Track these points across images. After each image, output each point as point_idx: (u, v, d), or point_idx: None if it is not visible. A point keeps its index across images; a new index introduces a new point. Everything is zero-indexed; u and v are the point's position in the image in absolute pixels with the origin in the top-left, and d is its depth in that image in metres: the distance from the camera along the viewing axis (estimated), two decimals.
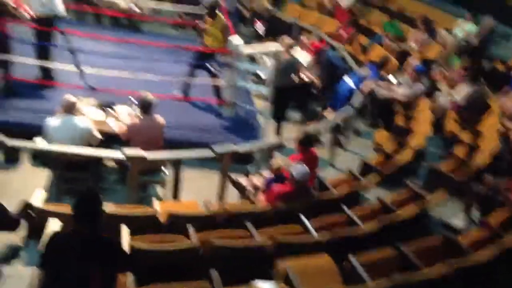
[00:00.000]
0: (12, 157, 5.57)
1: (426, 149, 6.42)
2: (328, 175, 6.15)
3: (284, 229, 4.38)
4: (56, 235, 3.07)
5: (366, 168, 5.96)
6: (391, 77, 8.37)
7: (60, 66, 6.94)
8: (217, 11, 7.45)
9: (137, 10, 10.48)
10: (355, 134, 7.54)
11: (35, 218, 4.03)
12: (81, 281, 2.87)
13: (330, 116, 7.24)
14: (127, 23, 10.64)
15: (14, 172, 5.53)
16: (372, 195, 5.40)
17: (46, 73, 7.00)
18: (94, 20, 10.50)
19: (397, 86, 7.86)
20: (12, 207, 4.15)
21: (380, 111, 7.75)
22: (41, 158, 5.57)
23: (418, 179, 5.75)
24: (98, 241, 2.93)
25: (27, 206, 4.06)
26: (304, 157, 5.25)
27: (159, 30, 10.76)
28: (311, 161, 5.26)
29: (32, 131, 5.35)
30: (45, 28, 6.80)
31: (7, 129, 5.42)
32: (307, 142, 5.42)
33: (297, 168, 4.77)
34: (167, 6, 10.89)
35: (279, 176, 5.12)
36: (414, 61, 8.25)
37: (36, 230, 3.92)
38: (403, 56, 9.22)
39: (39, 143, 5.07)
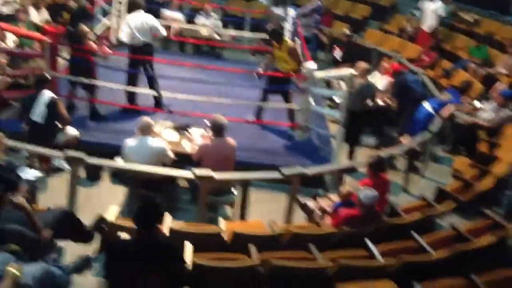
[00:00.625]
0: (93, 175, 5.96)
1: (510, 178, 5.99)
2: (401, 201, 5.93)
3: (348, 253, 4.26)
4: (116, 243, 3.24)
5: (442, 195, 5.67)
6: (475, 102, 7.97)
7: (144, 91, 7.37)
8: (283, 36, 7.56)
9: (218, 37, 10.93)
10: (433, 161, 7.21)
11: (107, 232, 4.25)
12: (140, 286, 3.00)
13: (407, 141, 7.00)
14: (209, 50, 11.11)
15: (95, 188, 5.89)
16: (447, 223, 5.11)
17: (131, 98, 7.46)
18: (178, 48, 11.09)
19: (482, 111, 7.46)
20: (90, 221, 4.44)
21: (461, 137, 7.37)
22: (119, 176, 5.90)
23: (499, 208, 5.37)
24: (156, 245, 3.05)
25: (101, 220, 4.31)
26: (375, 181, 5.12)
27: (238, 56, 11.11)
28: (382, 186, 5.12)
29: (113, 151, 5.70)
30: (135, 55, 7.31)
31: (90, 148, 5.82)
32: (378, 167, 5.28)
33: (366, 192, 4.67)
34: (246, 33, 11.25)
35: (348, 201, 5.02)
36: (501, 86, 7.80)
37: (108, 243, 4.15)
38: (489, 81, 8.76)
39: (118, 162, 5.39)
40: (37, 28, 8.78)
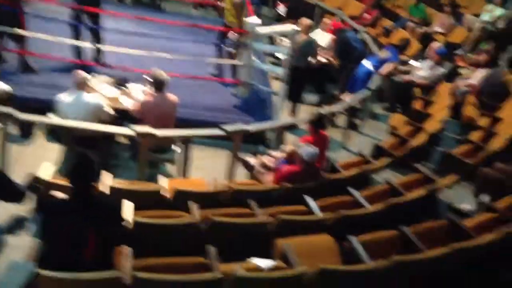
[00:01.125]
0: (26, 132, 5.69)
1: (442, 134, 6.28)
2: (340, 157, 6.09)
3: (288, 208, 4.36)
4: (51, 201, 3.16)
5: (379, 151, 5.87)
6: (412, 61, 8.19)
7: (76, 42, 7.02)
8: None
9: None
10: (371, 118, 7.42)
11: (41, 191, 4.11)
12: (76, 243, 2.95)
13: (347, 98, 7.14)
14: (148, 1, 10.69)
15: (28, 146, 5.65)
16: (382, 179, 5.32)
17: (77, 51, 7.12)
18: None
19: (418, 70, 7.69)
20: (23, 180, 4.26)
21: (398, 95, 7.60)
22: (54, 133, 5.67)
23: (431, 163, 5.64)
24: (93, 203, 3.01)
25: (35, 178, 4.15)
26: (315, 138, 5.21)
27: (180, 9, 10.76)
28: (322, 143, 5.22)
29: (47, 106, 5.44)
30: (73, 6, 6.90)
31: (23, 104, 5.52)
32: (319, 124, 5.37)
33: (306, 149, 4.74)
34: None
35: (291, 159, 5.09)
36: (437, 45, 8.04)
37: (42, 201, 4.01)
38: (427, 39, 9.00)
39: (52, 118, 5.16)
40: None
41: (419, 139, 5.92)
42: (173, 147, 5.54)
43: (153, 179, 5.16)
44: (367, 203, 4.41)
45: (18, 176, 4.34)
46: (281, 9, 10.37)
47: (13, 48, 6.75)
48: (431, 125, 6.19)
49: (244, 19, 7.12)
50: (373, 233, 3.78)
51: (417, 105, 7.10)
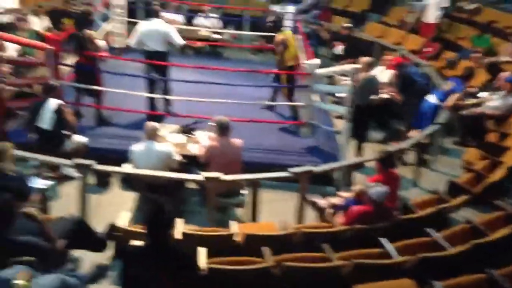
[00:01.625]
0: (103, 182, 5.94)
1: None
2: (412, 196, 5.89)
3: (362, 252, 4.22)
4: (129, 249, 3.23)
5: (454, 188, 5.63)
6: (481, 93, 7.92)
7: (148, 94, 7.34)
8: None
9: (217, 37, 10.88)
10: (442, 153, 7.17)
11: (120, 239, 4.23)
12: None
13: (414, 134, 6.96)
14: (209, 50, 11.07)
15: (105, 195, 5.87)
16: (460, 217, 5.07)
17: (151, 103, 7.42)
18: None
19: (487, 100, 7.42)
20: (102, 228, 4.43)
21: (469, 128, 7.33)
22: (128, 182, 5.87)
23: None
24: (169, 251, 3.05)
25: (113, 227, 4.28)
26: (384, 177, 5.08)
27: (239, 55, 11.07)
28: (392, 182, 5.07)
29: (121, 156, 5.67)
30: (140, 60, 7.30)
31: (99, 155, 5.80)
32: (388, 162, 5.24)
33: (376, 189, 4.64)
34: (246, 32, 11.22)
35: (359, 199, 4.99)
36: (506, 74, 7.74)
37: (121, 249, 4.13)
38: (494, 69, 8.70)
39: (126, 167, 5.37)
40: (39, 36, 8.76)
41: (498, 174, 5.63)
42: (241, 191, 5.58)
43: (222, 224, 5.19)
44: (447, 244, 4.20)
45: (97, 224, 4.51)
46: (338, 48, 10.41)
47: (90, 103, 7.15)
48: (510, 158, 5.89)
49: (287, 57, 7.20)
50: (457, 277, 3.57)
51: (492, 137, 6.80)
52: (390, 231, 4.49)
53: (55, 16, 10.25)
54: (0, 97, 6.19)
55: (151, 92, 7.34)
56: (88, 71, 6.89)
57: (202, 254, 3.91)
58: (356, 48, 9.75)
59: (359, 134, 7.11)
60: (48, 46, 6.58)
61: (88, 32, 6.94)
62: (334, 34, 10.99)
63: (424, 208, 5.09)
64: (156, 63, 7.19)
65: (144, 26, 7.29)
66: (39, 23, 9.53)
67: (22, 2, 10.49)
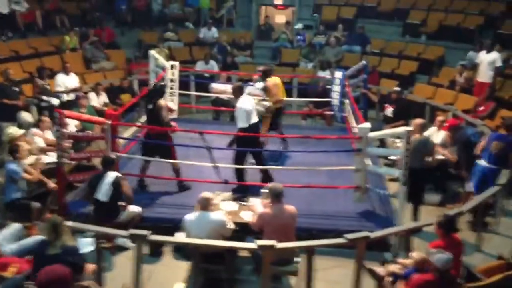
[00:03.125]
0: (156, 251, 5.97)
1: None
2: (475, 262, 5.56)
3: None
4: None
5: None
6: None
7: (198, 163, 7.47)
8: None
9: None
10: (505, 215, 6.80)
11: None
12: None
13: (472, 196, 6.68)
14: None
15: (158, 264, 5.88)
16: None
17: (240, 175, 7.25)
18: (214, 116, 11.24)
19: None
20: None
21: None
22: (182, 251, 5.88)
23: None
24: None
25: None
26: (446, 242, 4.85)
27: (288, 122, 11.17)
28: (455, 247, 4.83)
29: (173, 225, 5.73)
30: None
31: (152, 224, 5.90)
32: (450, 226, 5.02)
33: (439, 255, 4.41)
34: (294, 98, 11.38)
35: (421, 267, 4.75)
36: None
37: None
38: None
39: (179, 237, 5.40)
40: (97, 111, 9.27)
41: None
42: (295, 258, 5.45)
43: None
44: None
45: None
46: (388, 111, 10.37)
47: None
48: None
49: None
50: None
51: None
52: None
53: (113, 92, 10.87)
54: (61, 171, 6.48)
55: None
56: (160, 143, 7.02)
57: None
58: (406, 110, 9.69)
59: (415, 197, 6.89)
60: (106, 121, 6.92)
61: (163, 102, 7.15)
62: (383, 96, 11.00)
63: (491, 275, 4.77)
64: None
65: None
66: (97, 100, 10.12)
67: (83, 80, 11.23)
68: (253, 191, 6.62)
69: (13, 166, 6.26)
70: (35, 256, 4.51)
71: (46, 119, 7.94)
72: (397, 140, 8.21)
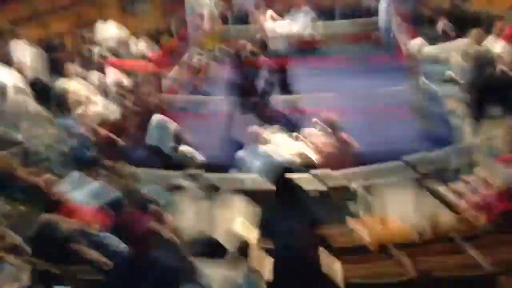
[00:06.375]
0: (214, 190, 5.97)
1: None
2: None
3: None
4: None
5: None
6: None
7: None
8: None
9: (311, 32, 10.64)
10: None
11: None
12: None
13: None
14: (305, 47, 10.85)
15: (215, 202, 5.91)
16: None
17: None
18: None
19: None
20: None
21: None
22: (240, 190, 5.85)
23: None
24: None
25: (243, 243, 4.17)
26: None
27: (336, 48, 10.73)
28: None
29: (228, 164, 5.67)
30: None
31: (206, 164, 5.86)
32: None
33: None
34: (340, 23, 10.85)
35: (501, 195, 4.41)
36: None
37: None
38: None
39: (236, 175, 5.35)
40: (140, 57, 9.15)
41: None
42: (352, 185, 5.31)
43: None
44: None
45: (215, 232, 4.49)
46: (442, 24, 9.70)
47: None
48: None
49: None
50: None
51: None
52: None
53: (153, 36, 10.70)
54: (111, 120, 6.46)
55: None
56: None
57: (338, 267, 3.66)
58: (462, 22, 9.03)
59: (476, 112, 6.49)
60: (149, 66, 6.82)
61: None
62: (436, 9, 10.26)
63: None
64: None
65: None
66: (139, 45, 9.99)
67: (122, 27, 11.09)
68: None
69: (65, 120, 6.26)
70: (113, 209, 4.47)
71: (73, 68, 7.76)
72: (453, 54, 7.70)
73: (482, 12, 9.53)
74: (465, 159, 5.66)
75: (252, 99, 7.08)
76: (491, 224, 4.14)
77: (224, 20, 10.80)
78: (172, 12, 12.06)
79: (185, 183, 5.68)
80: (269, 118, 6.89)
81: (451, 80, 7.40)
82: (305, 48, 10.63)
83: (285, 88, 7.35)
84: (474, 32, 6.68)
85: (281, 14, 10.87)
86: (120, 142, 6.47)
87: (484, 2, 10.45)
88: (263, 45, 7.52)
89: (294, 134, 6.15)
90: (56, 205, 3.99)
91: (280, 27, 10.23)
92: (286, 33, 9.71)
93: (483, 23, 8.97)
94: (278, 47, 7.26)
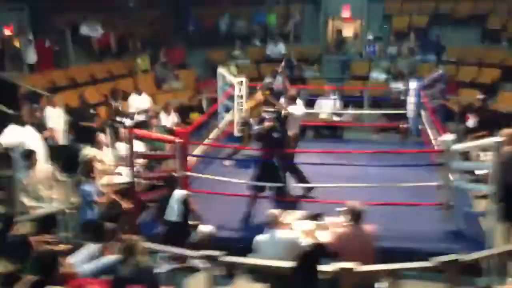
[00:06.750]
0: (229, 272, 5.76)
1: None
2: None
3: None
4: None
5: None
6: None
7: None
8: None
9: (337, 118, 10.73)
10: None
11: None
12: None
13: None
14: (329, 133, 10.91)
15: (231, 287, 5.67)
16: None
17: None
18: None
19: None
20: None
21: None
22: (255, 273, 5.63)
23: None
24: None
25: None
26: None
27: (360, 136, 10.74)
28: None
29: (247, 246, 5.49)
30: None
31: (224, 244, 5.68)
32: None
33: None
34: (367, 111, 10.94)
35: None
36: None
37: None
38: None
39: (252, 258, 5.17)
40: (169, 131, 9.32)
41: None
42: (376, 284, 5.04)
43: None
44: None
45: None
46: (471, 122, 9.68)
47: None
48: None
49: None
50: None
51: None
52: None
53: (183, 112, 10.96)
54: (134, 191, 6.48)
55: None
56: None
57: None
58: (491, 120, 8.99)
59: (509, 216, 6.24)
60: (176, 140, 6.87)
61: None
62: (464, 107, 10.30)
63: None
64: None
65: None
66: (168, 119, 10.21)
67: (154, 101, 11.43)
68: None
69: (87, 187, 6.32)
70: (111, 276, 4.44)
71: (101, 138, 7.91)
72: (482, 153, 7.58)
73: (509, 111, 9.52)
74: (495, 264, 5.36)
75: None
76: None
77: None
78: (203, 89, 12.45)
79: (201, 264, 5.51)
80: (291, 205, 6.76)
81: (481, 180, 7.23)
82: (328, 133, 10.72)
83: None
84: (508, 130, 6.56)
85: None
86: (139, 215, 6.43)
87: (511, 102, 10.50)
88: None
89: (316, 220, 5.99)
90: (64, 277, 3.86)
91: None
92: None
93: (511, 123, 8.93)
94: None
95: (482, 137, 8.04)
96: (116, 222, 6.23)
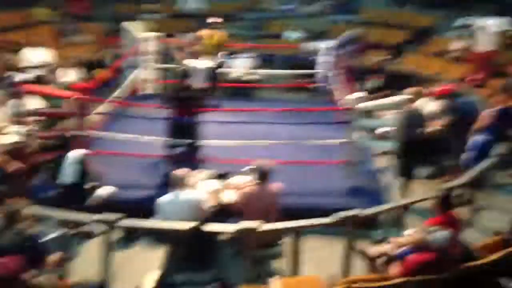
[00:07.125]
0: (129, 237, 5.53)
1: None
2: (470, 239, 5.21)
3: None
4: None
5: None
6: None
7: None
8: None
9: (249, 77, 10.60)
10: (497, 190, 6.46)
11: None
12: None
13: (462, 169, 6.32)
14: (242, 92, 10.76)
15: (131, 251, 5.46)
16: None
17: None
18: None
19: None
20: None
21: None
22: (156, 236, 5.46)
23: None
24: None
25: None
26: (444, 220, 4.50)
27: (271, 95, 10.72)
28: (452, 225, 4.47)
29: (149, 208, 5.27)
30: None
31: (127, 206, 5.41)
32: (447, 203, 4.67)
33: (437, 233, 4.08)
34: (279, 71, 10.90)
35: (417, 247, 4.38)
36: None
37: None
38: None
39: (153, 221, 4.98)
40: (68, 88, 8.68)
41: None
42: (279, 241, 5.07)
43: (260, 277, 4.73)
44: None
45: (124, 284, 4.05)
46: (374, 82, 9.95)
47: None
48: None
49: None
50: None
51: None
52: (456, 282, 3.87)
53: (85, 67, 10.26)
54: (24, 152, 5.95)
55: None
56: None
57: None
58: (394, 81, 9.30)
59: (406, 171, 6.51)
60: (74, 96, 6.38)
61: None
62: (369, 68, 10.56)
63: (489, 253, 4.42)
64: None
65: None
66: (70, 76, 9.50)
67: (54, 55, 10.57)
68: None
69: None
70: None
71: None
72: (388, 111, 7.80)
73: (412, 73, 9.89)
74: (391, 218, 5.58)
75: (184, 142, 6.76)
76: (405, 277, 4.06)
77: None
78: (109, 44, 11.75)
79: (98, 229, 5.22)
80: (198, 165, 6.59)
81: (385, 137, 7.47)
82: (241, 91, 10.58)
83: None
84: (411, 90, 6.77)
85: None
86: (31, 177, 5.95)
87: (418, 65, 10.92)
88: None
89: (224, 179, 5.87)
90: None
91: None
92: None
93: (413, 84, 9.28)
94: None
95: (386, 96, 8.29)
96: (3, 185, 5.71)
